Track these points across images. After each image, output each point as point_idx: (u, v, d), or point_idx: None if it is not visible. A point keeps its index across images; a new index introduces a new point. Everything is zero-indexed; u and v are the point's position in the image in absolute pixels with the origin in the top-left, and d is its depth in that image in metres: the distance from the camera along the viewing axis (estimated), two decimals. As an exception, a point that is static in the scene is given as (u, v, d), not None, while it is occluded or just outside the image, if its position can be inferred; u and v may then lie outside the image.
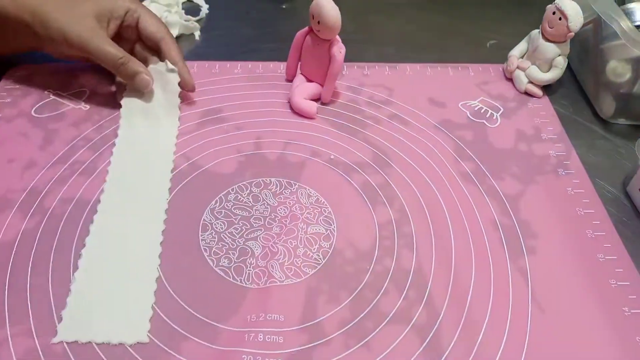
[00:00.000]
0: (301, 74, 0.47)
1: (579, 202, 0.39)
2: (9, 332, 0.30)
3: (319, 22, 0.41)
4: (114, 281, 0.33)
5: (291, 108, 0.45)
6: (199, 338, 0.30)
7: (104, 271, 0.33)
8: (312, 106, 0.45)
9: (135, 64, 0.42)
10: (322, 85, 0.45)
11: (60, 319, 0.31)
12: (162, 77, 0.44)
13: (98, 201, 0.37)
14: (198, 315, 0.31)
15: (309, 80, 0.46)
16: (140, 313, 0.31)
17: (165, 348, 0.30)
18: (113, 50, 0.41)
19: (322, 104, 0.46)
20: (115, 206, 0.37)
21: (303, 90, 0.45)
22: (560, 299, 0.33)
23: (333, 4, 0.40)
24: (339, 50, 0.43)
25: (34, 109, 0.44)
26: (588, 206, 0.39)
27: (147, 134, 0.42)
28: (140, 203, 0.37)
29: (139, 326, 0.31)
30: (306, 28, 0.43)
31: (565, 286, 0.34)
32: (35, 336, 0.30)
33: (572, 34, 0.44)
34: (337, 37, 0.43)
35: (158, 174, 0.39)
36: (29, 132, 0.42)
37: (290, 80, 0.48)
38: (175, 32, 0.52)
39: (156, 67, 0.44)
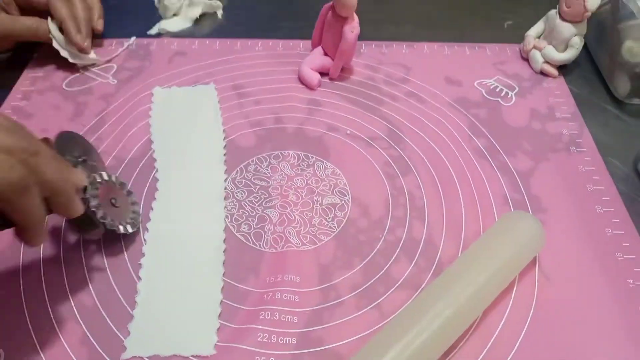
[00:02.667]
0: (321, 46, 0.48)
1: (589, 179, 0.40)
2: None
3: None
4: (178, 291, 0.32)
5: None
6: (225, 299, 0.33)
7: (167, 281, 0.33)
8: (314, 77, 0.46)
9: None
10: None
11: (127, 333, 0.31)
12: None
13: (150, 208, 0.37)
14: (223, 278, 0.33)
15: (326, 54, 0.47)
16: (207, 325, 0.31)
17: (189, 305, 0.32)
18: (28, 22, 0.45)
19: (330, 79, 0.47)
20: (170, 211, 0.37)
21: (312, 60, 0.47)
22: (566, 269, 0.34)
23: None
24: (352, 29, 0.43)
25: (64, 82, 0.47)
26: (598, 183, 0.40)
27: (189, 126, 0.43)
28: (197, 205, 0.37)
29: (206, 338, 0.30)
30: (331, 2, 0.44)
31: (572, 258, 0.35)
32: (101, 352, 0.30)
33: (589, 13, 0.44)
34: (355, 16, 0.43)
35: (210, 171, 0.39)
36: (60, 105, 0.45)
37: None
38: (198, 11, 0.53)
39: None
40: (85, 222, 0.31)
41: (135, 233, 0.35)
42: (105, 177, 0.33)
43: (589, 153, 0.42)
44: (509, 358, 0.30)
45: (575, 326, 0.32)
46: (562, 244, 0.36)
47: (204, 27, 0.54)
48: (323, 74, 0.47)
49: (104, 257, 0.34)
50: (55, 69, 0.48)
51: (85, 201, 0.30)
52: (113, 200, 0.33)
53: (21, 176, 0.24)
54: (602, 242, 0.36)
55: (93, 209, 0.31)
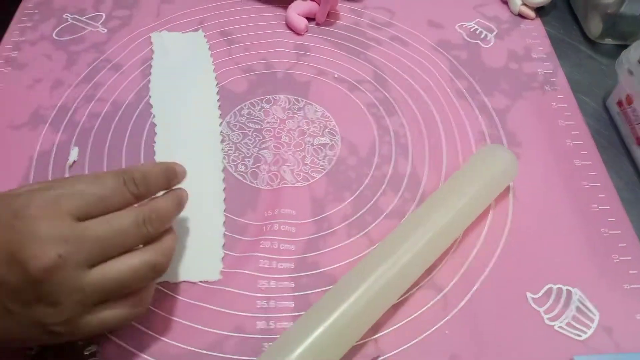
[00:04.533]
0: None
1: (561, 115, 0.43)
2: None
3: None
4: (185, 226, 0.35)
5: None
6: (227, 231, 0.35)
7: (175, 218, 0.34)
8: (301, 22, 0.47)
9: None
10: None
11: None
12: None
13: (153, 152, 0.39)
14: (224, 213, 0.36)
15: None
16: (212, 254, 0.34)
17: (194, 237, 0.35)
18: None
19: (317, 24, 0.49)
20: (171, 154, 0.38)
21: (298, 5, 0.48)
22: (538, 197, 0.38)
23: None
24: None
25: (54, 32, 0.47)
26: (569, 118, 0.43)
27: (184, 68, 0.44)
28: (195, 148, 0.39)
29: (212, 266, 0.33)
30: None
31: (543, 186, 0.38)
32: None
33: (566, -45, 0.46)
34: None
35: (206, 114, 0.41)
36: (52, 54, 0.46)
37: None
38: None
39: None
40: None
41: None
42: None
43: (562, 91, 0.45)
44: (485, 273, 0.34)
45: (543, 244, 0.35)
46: (534, 174, 0.39)
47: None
48: (310, 18, 0.49)
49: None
50: (43, 19, 0.48)
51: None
52: None
53: None
54: (571, 172, 0.39)
55: None
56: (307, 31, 0.48)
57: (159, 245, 0.28)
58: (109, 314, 0.26)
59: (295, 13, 0.48)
